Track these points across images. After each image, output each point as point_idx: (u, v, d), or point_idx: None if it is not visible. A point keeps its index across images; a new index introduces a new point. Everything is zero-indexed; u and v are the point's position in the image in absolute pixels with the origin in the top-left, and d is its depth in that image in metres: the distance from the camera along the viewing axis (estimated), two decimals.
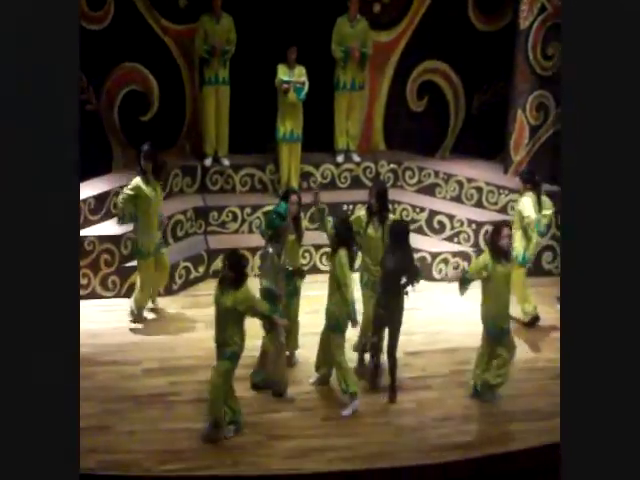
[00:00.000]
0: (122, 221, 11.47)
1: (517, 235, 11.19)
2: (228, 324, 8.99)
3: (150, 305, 11.62)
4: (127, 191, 11.13)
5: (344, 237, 9.59)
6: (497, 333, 9.81)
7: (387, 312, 9.75)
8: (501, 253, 9.72)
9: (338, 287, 9.52)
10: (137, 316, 11.40)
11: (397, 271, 9.69)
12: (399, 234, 9.87)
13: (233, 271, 8.99)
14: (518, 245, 11.21)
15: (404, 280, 9.69)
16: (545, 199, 11.43)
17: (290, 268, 9.91)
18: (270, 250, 9.84)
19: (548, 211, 11.44)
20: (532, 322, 11.49)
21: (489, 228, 10.50)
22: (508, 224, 10.36)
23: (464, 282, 9.88)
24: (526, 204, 11.17)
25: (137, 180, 11.12)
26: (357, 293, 10.10)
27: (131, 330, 11.13)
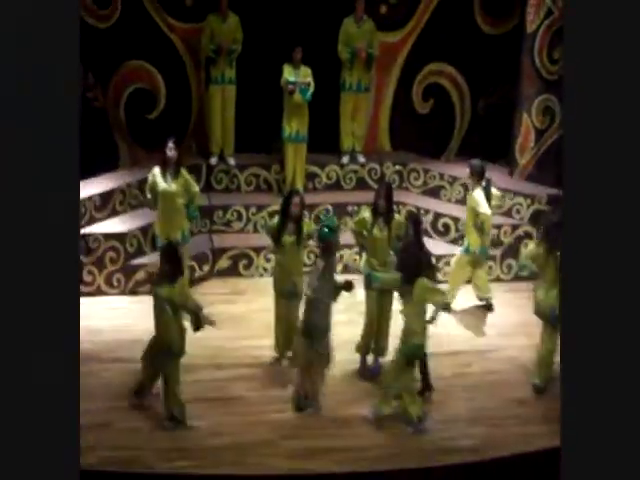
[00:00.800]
0: (152, 206, 11.49)
1: (470, 229, 11.37)
2: (163, 316, 9.03)
3: None
4: (149, 178, 11.20)
5: (415, 270, 9.35)
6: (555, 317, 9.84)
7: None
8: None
9: (417, 317, 9.27)
10: None
11: (416, 264, 9.64)
12: (416, 225, 10.03)
13: (168, 264, 9.07)
14: (474, 239, 11.35)
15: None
16: (494, 191, 11.50)
17: (338, 282, 9.56)
18: (320, 264, 9.46)
19: (496, 202, 11.57)
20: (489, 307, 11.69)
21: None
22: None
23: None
24: (479, 199, 11.19)
25: (155, 170, 11.17)
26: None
27: (134, 328, 11.09)
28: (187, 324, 9.11)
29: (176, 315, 9.05)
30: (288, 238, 10.03)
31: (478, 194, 11.23)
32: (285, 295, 10.20)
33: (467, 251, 11.48)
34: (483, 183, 11.31)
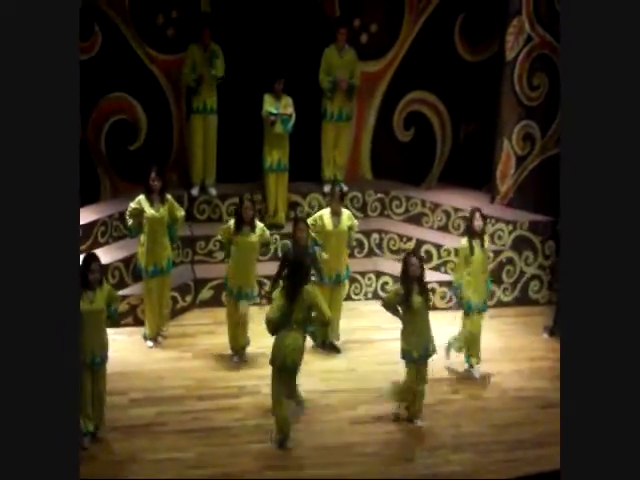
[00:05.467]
0: (130, 234, 11.57)
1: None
2: (102, 326, 9.40)
3: (163, 330, 11.66)
4: (132, 205, 11.23)
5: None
6: None
7: None
8: None
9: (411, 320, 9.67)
10: (148, 338, 11.59)
11: None
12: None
13: (83, 273, 9.14)
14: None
15: None
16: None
17: None
18: None
19: None
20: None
21: None
22: None
23: None
24: None
25: (141, 197, 11.21)
26: None
27: (117, 360, 11.02)
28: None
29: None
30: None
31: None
32: None
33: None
34: None
